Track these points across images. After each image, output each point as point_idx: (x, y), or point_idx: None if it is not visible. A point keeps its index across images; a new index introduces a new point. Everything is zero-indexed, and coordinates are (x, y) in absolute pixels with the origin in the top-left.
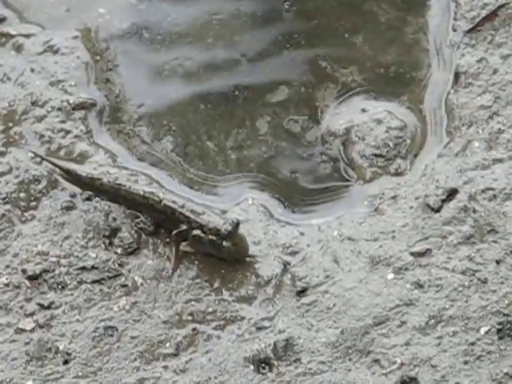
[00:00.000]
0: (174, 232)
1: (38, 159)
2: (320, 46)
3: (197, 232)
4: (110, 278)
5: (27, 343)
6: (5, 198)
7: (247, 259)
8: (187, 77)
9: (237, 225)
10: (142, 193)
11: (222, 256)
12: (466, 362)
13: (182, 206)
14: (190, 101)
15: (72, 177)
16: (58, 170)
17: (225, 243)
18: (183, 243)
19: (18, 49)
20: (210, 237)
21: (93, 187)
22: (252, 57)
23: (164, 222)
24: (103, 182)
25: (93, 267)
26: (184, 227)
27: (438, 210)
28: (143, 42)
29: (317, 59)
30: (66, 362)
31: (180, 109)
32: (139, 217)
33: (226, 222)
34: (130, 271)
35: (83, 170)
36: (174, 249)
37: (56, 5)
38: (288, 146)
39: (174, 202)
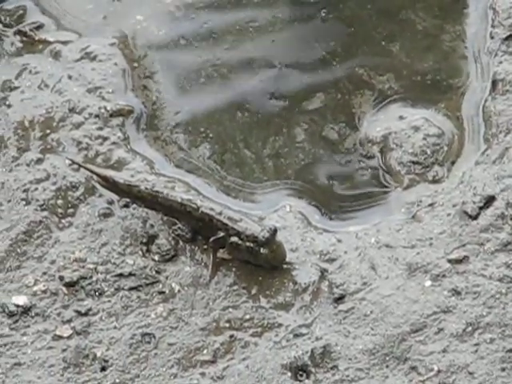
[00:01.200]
0: (212, 239)
1: (76, 166)
2: (357, 53)
3: (234, 239)
4: (147, 284)
5: (64, 350)
6: (42, 205)
7: (284, 266)
8: (224, 84)
9: (274, 232)
10: (179, 200)
11: (259, 263)
12: (503, 369)
13: (220, 213)
14: (226, 108)
15: (109, 184)
16: (95, 177)
17: (262, 250)
18: (221, 250)
19: (56, 56)
20: (248, 244)
21: (130, 194)
22: (288, 64)
23: (201, 230)
24: (141, 189)
25: (130, 274)
26: (221, 234)
27: (475, 217)
28: (180, 49)
29: (353, 66)
30: (103, 369)
31: (217, 116)
32: (176, 224)
33: (263, 229)
34: (167, 278)
35: (120, 176)
36: (211, 256)
37: (93, 12)
38: (325, 153)
39: (211, 209)
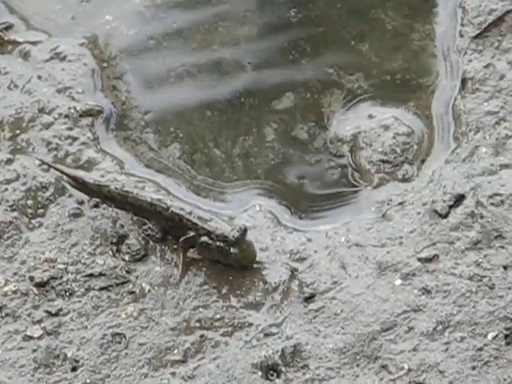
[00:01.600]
0: (182, 239)
1: (45, 166)
2: (326, 52)
3: (204, 239)
4: (117, 284)
5: (35, 350)
6: (12, 206)
7: (255, 265)
8: (193, 83)
9: (244, 231)
10: (149, 200)
11: (229, 263)
12: (473, 368)
13: (190, 213)
14: (196, 108)
15: (79, 184)
16: (65, 177)
17: (232, 250)
18: (191, 250)
19: (25, 56)
20: (218, 243)
21: (100, 194)
22: (258, 63)
23: (171, 230)
24: (110, 189)
25: (100, 274)
26: (192, 234)
27: (445, 216)
28: (149, 49)
29: (323, 66)
30: (74, 369)
31: (187, 116)
32: (146, 224)
33: (233, 229)
34: (137, 278)
35: (90, 177)
36: (181, 255)
37: (62, 12)
38: (295, 153)
39: (181, 208)
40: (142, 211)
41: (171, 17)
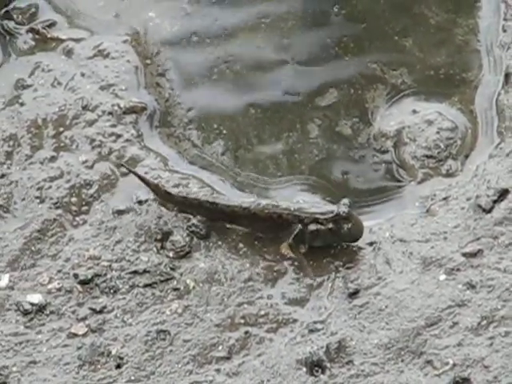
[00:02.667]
0: (291, 238)
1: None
2: (369, 48)
3: (313, 227)
4: (162, 281)
5: (79, 348)
6: (56, 203)
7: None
8: (236, 80)
9: (350, 204)
10: (242, 204)
11: (344, 240)
12: None
13: (287, 208)
14: (239, 104)
15: (162, 193)
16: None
17: (346, 225)
18: (283, 245)
19: (68, 53)
20: (329, 225)
21: (186, 204)
22: (301, 60)
23: (269, 230)
24: (198, 198)
25: (145, 271)
26: (298, 228)
27: (489, 211)
28: (192, 46)
29: (366, 62)
30: (118, 367)
31: (229, 112)
32: (191, 220)
33: (339, 206)
34: (181, 275)
35: (171, 188)
36: (297, 254)
37: (105, 9)
38: (339, 149)
39: (275, 206)
40: (236, 217)
41: (214, 13)
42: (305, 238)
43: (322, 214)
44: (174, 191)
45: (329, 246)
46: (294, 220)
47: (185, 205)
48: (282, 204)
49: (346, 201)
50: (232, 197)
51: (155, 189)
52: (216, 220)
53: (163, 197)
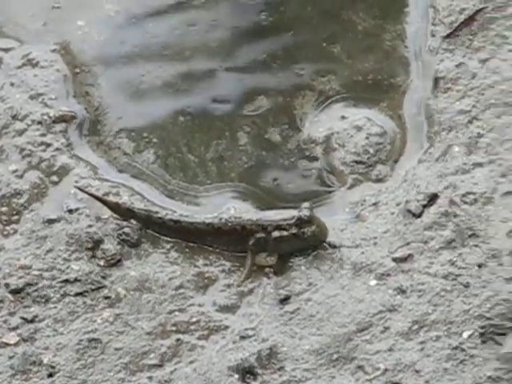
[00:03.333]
0: (251, 242)
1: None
2: (297, 55)
3: (277, 233)
4: (93, 290)
5: (11, 357)
6: None
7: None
8: (165, 89)
9: (311, 207)
10: (204, 220)
11: (309, 244)
12: (449, 367)
13: (250, 219)
14: (169, 113)
15: (121, 211)
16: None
17: (309, 229)
18: (261, 256)
19: None
20: (292, 231)
21: (149, 222)
22: (229, 67)
23: (235, 243)
24: (161, 217)
25: (76, 280)
26: (260, 235)
27: (419, 216)
28: (121, 55)
29: (294, 68)
30: (50, 375)
31: (159, 121)
32: (122, 228)
33: (300, 210)
34: (112, 283)
35: (137, 205)
36: (249, 260)
37: (34, 19)
38: (268, 155)
39: (238, 217)
40: (200, 234)
41: (142, 22)
42: (270, 247)
43: (284, 219)
44: (136, 209)
45: (296, 251)
46: (257, 229)
47: (147, 222)
48: (244, 215)
49: (307, 204)
50: (194, 214)
51: (115, 207)
52: (180, 239)
53: (124, 214)
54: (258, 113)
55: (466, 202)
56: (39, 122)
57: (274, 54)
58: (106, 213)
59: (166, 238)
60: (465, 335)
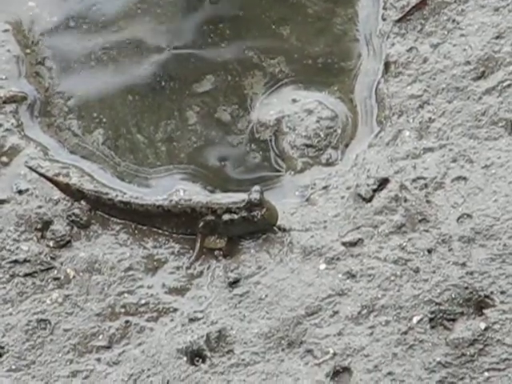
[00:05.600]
0: (201, 224)
1: None
2: (246, 36)
3: (227, 216)
4: (42, 270)
5: None
6: None
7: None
8: (114, 68)
9: (261, 191)
10: (155, 202)
11: (259, 228)
12: (398, 351)
13: (200, 201)
14: (118, 92)
15: (71, 191)
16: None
17: (259, 212)
18: (210, 239)
19: None
20: (242, 214)
21: (98, 203)
22: (177, 46)
23: (185, 225)
24: (111, 198)
25: (25, 260)
26: (210, 217)
27: (369, 200)
28: (70, 34)
29: (243, 49)
30: None
31: (109, 101)
32: (71, 209)
33: (249, 194)
34: (62, 264)
35: (87, 186)
36: (198, 242)
37: None
38: (218, 135)
39: (188, 200)
40: (150, 216)
41: (92, 1)
42: (220, 230)
43: (234, 203)
44: (86, 190)
45: (246, 234)
46: (207, 212)
47: (98, 203)
48: (195, 198)
49: (257, 188)
50: (144, 196)
51: (65, 188)
52: (130, 220)
53: (74, 196)
54: (207, 92)
55: (416, 187)
56: None
57: (222, 33)
58: (56, 194)
59: (115, 220)
60: (414, 320)
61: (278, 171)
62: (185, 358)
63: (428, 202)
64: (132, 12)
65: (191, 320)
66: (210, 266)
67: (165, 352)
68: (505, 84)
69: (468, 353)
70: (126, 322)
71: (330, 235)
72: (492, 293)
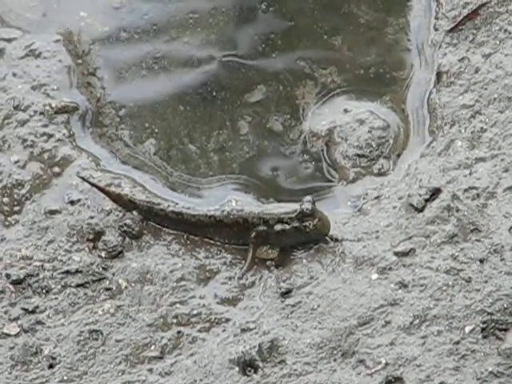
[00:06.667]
0: (253, 234)
1: (21, 163)
2: (298, 46)
3: (279, 227)
4: (94, 281)
5: (12, 348)
6: None
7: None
8: (165, 77)
9: (313, 201)
10: (206, 213)
11: (312, 238)
12: (450, 361)
13: (252, 212)
14: (169, 102)
15: (123, 203)
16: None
17: (311, 222)
18: (262, 249)
19: (0, 53)
20: (294, 224)
21: (151, 213)
22: (228, 56)
23: (236, 236)
24: (163, 208)
25: (77, 271)
26: (262, 228)
27: (421, 210)
28: (122, 43)
29: (294, 59)
30: (51, 367)
31: (160, 111)
32: (123, 219)
33: (301, 204)
34: (114, 274)
35: (139, 196)
36: (251, 252)
37: (37, 9)
38: (270, 146)
39: (240, 210)
40: (202, 227)
41: (143, 10)
42: (272, 240)
43: (286, 213)
44: (138, 200)
45: (298, 244)
46: (259, 222)
47: (149, 214)
48: (247, 208)
49: (308, 198)
50: (196, 206)
51: (117, 198)
52: (182, 231)
53: (126, 206)
54: (258, 101)
55: (468, 197)
56: (41, 113)
57: (274, 43)
58: (108, 204)
59: (167, 230)
60: (466, 330)
61: (330, 181)
62: (237, 369)
63: (480, 211)
64: (183, 22)
65: (243, 330)
66: (262, 276)
67: (217, 362)
68: None
69: None
70: (178, 332)
71: (382, 245)
72: None
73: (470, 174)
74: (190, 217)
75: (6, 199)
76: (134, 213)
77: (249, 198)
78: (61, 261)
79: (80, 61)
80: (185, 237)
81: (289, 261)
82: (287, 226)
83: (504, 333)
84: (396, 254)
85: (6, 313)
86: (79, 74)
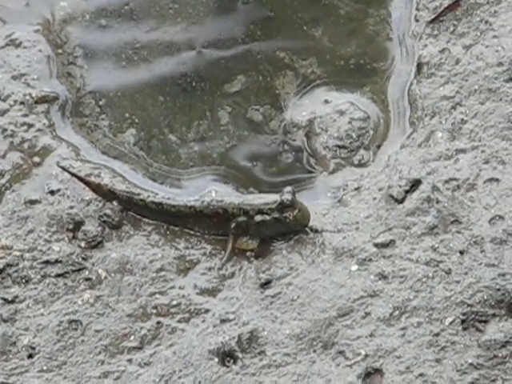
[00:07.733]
0: (233, 225)
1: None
2: (278, 37)
3: (259, 217)
4: (73, 271)
5: None
6: None
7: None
8: (145, 68)
9: (293, 192)
10: (186, 203)
11: (291, 229)
12: (430, 353)
13: (232, 202)
14: (149, 92)
15: (103, 192)
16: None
17: (291, 213)
18: (242, 240)
19: None
20: (274, 215)
21: (130, 204)
22: (208, 46)
23: (216, 226)
24: (143, 199)
25: (56, 261)
26: (242, 218)
27: (401, 201)
28: (102, 33)
29: (274, 50)
30: (30, 356)
31: (140, 101)
32: (103, 209)
33: (281, 195)
34: (93, 264)
35: (119, 186)
36: (231, 242)
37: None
38: (250, 136)
39: (219, 201)
40: (182, 217)
41: (124, 0)
42: (252, 231)
43: (266, 204)
44: (118, 190)
45: (278, 235)
46: (239, 213)
47: (129, 204)
48: (227, 199)
49: (289, 188)
50: (176, 197)
51: (97, 188)
52: (162, 221)
53: (106, 196)
54: (238, 92)
55: (448, 188)
56: (21, 103)
57: (254, 34)
58: (88, 194)
59: (147, 221)
60: (446, 322)
61: (311, 172)
62: (216, 359)
63: (460, 203)
64: (163, 12)
65: (223, 321)
66: (242, 267)
67: (196, 353)
68: None
69: (500, 354)
70: (158, 322)
71: (362, 236)
72: None
73: (446, 168)
74: (169, 207)
75: None
76: (114, 203)
77: (229, 189)
78: (40, 251)
79: (60, 50)
80: (165, 227)
81: (268, 252)
82: (267, 217)
83: (484, 324)
84: (376, 245)
85: None
86: (59, 64)
